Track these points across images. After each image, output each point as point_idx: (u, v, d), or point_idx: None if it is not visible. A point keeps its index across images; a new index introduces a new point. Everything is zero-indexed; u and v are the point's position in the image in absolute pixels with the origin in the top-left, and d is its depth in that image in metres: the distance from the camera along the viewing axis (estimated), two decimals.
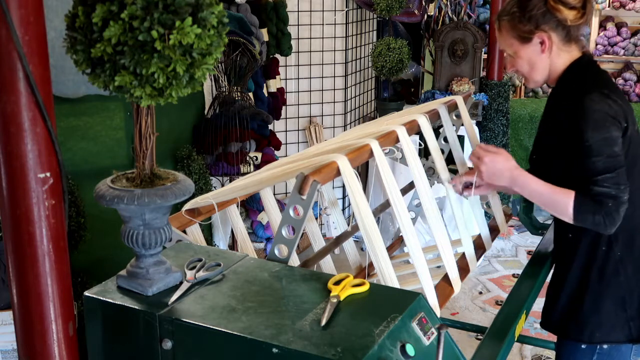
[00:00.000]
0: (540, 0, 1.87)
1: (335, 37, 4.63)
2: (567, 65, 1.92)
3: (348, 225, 2.16)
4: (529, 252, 4.73)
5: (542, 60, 1.92)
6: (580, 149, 1.79)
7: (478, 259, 2.16)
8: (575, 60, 1.92)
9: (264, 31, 3.59)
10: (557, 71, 1.94)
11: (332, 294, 1.33)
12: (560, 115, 1.91)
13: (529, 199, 1.99)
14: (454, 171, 2.40)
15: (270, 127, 3.84)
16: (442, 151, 2.42)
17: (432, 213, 1.91)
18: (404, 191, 2.44)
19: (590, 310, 1.93)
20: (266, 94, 3.92)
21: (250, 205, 3.76)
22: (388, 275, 1.61)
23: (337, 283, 1.37)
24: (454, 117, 2.35)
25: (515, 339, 1.88)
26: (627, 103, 1.88)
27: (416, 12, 4.76)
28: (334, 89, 4.73)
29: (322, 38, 4.60)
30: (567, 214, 1.82)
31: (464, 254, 2.13)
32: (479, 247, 2.27)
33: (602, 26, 6.18)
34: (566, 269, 1.99)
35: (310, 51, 4.58)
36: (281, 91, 4.08)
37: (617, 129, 1.79)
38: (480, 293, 4.18)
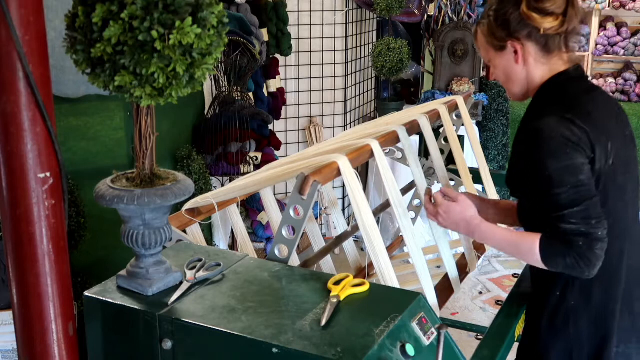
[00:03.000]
0: (514, 5, 1.63)
1: (335, 37, 4.63)
2: (544, 80, 1.67)
3: (348, 225, 2.16)
4: None
5: (517, 71, 1.68)
6: (541, 180, 1.54)
7: (478, 259, 2.16)
8: (554, 76, 1.66)
9: (264, 31, 3.59)
10: (534, 85, 1.69)
11: (332, 294, 1.33)
12: (519, 137, 1.66)
13: (495, 248, 1.78)
14: (453, 171, 2.41)
15: (270, 127, 3.84)
16: (442, 151, 2.42)
17: None
18: (404, 191, 2.44)
19: (537, 359, 1.73)
20: (266, 94, 3.92)
21: (250, 205, 3.76)
22: (388, 275, 1.61)
23: (337, 283, 1.37)
24: (454, 117, 2.35)
25: (515, 339, 1.88)
26: (601, 131, 1.57)
27: (416, 12, 4.76)
28: (334, 89, 4.72)
29: (322, 38, 4.60)
30: (536, 260, 1.57)
31: (463, 254, 2.13)
32: (479, 248, 2.27)
33: (602, 26, 6.17)
34: (528, 308, 1.81)
35: (310, 51, 4.58)
36: (281, 91, 4.07)
37: (581, 156, 1.53)
38: (480, 293, 4.17)
